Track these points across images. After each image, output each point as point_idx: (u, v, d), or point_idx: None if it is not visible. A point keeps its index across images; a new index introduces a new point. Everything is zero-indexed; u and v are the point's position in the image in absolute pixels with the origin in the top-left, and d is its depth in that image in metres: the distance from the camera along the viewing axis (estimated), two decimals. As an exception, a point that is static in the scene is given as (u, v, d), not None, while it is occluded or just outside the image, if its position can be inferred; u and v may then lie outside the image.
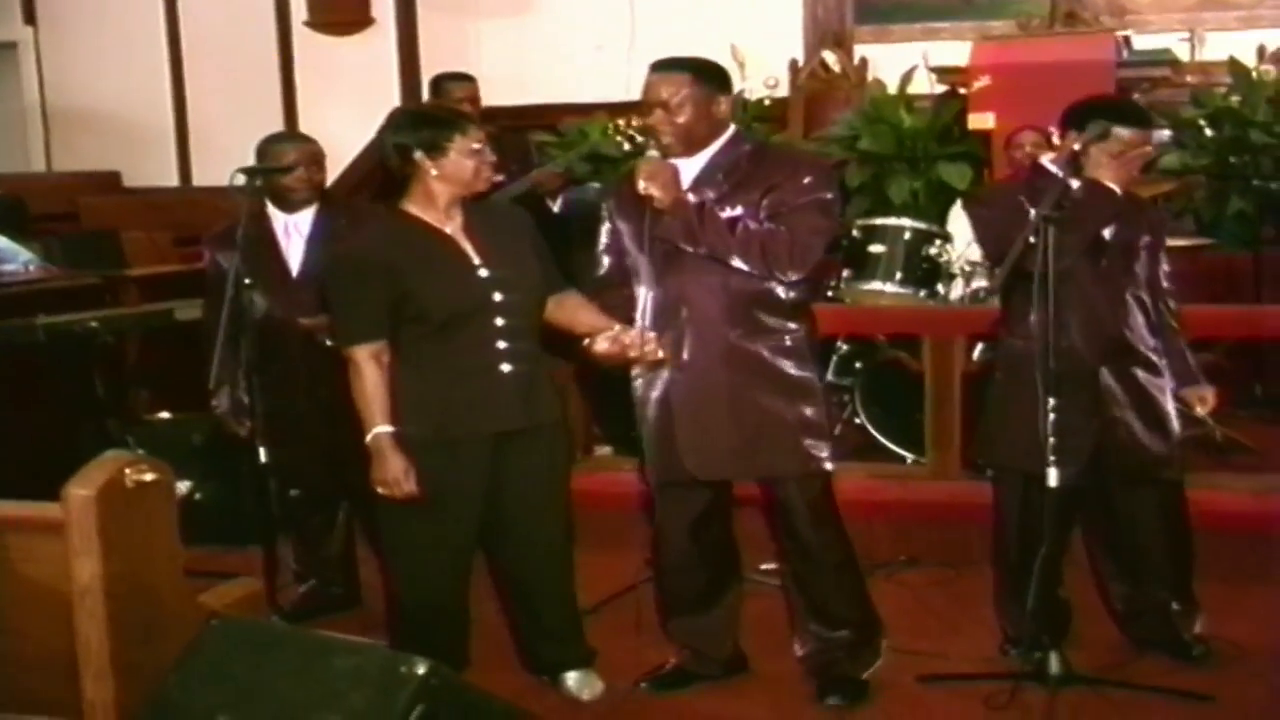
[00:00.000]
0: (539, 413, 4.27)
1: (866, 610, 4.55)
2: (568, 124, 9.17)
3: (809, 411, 4.28)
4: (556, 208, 7.09)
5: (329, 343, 4.76)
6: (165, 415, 6.62)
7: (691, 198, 4.18)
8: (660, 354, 4.15)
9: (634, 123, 7.41)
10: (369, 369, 4.10)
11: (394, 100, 10.27)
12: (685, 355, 4.26)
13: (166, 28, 10.96)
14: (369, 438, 4.09)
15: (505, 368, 4.18)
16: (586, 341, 4.19)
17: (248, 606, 4.11)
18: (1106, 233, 4.47)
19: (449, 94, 7.31)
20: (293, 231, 5.16)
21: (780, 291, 4.24)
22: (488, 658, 4.53)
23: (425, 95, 10.02)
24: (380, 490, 4.10)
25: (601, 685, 4.54)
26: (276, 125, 10.47)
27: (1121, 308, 4.50)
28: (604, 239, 4.48)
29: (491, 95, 7.83)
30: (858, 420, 6.68)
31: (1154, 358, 4.55)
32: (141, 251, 8.64)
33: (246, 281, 5.01)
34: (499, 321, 4.17)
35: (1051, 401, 4.25)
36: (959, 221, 6.94)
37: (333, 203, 5.28)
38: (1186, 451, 4.71)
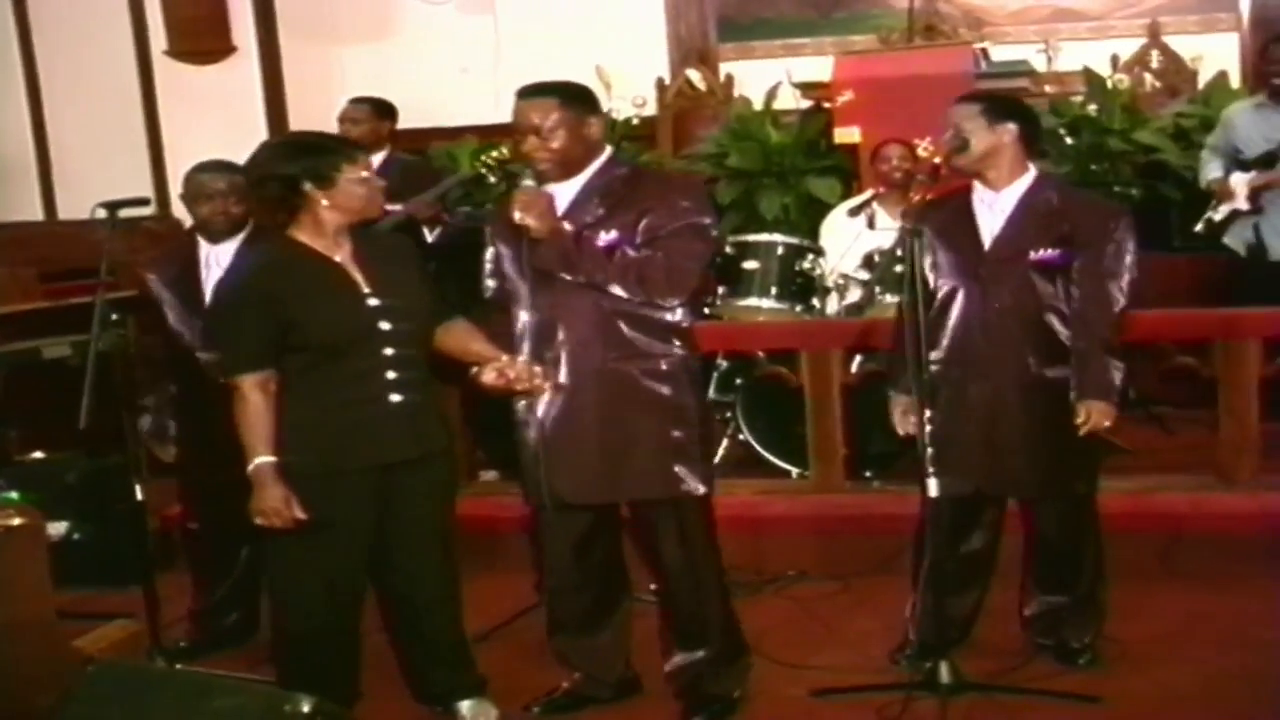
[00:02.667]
0: (427, 442, 4.19)
1: (730, 630, 4.49)
2: (436, 147, 9.10)
3: (679, 434, 4.24)
4: (431, 238, 6.99)
5: (222, 380, 4.70)
6: (38, 455, 6.42)
7: (568, 225, 4.15)
8: (545, 384, 4.15)
9: (501, 153, 7.39)
10: (253, 398, 4.01)
11: (260, 128, 10.11)
12: (561, 378, 4.22)
13: (22, 57, 10.69)
14: (250, 467, 4.00)
15: (394, 397, 4.10)
16: (474, 371, 4.16)
17: (126, 648, 4.02)
18: (985, 246, 4.48)
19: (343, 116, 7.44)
20: (213, 263, 5.04)
21: (655, 314, 4.20)
22: (379, 689, 4.43)
23: (294, 122, 9.99)
24: (259, 520, 4.00)
25: (496, 712, 4.47)
26: (141, 156, 10.30)
27: (998, 325, 4.48)
28: (488, 263, 4.43)
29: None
30: (741, 436, 6.65)
31: (1044, 374, 4.50)
32: (5, 289, 8.36)
33: (157, 307, 5.04)
34: (387, 351, 4.09)
35: (928, 413, 4.27)
36: (831, 235, 7.02)
37: (261, 233, 5.12)
38: (1090, 461, 4.68)
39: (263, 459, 3.99)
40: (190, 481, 5.10)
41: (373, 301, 4.09)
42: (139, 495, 4.83)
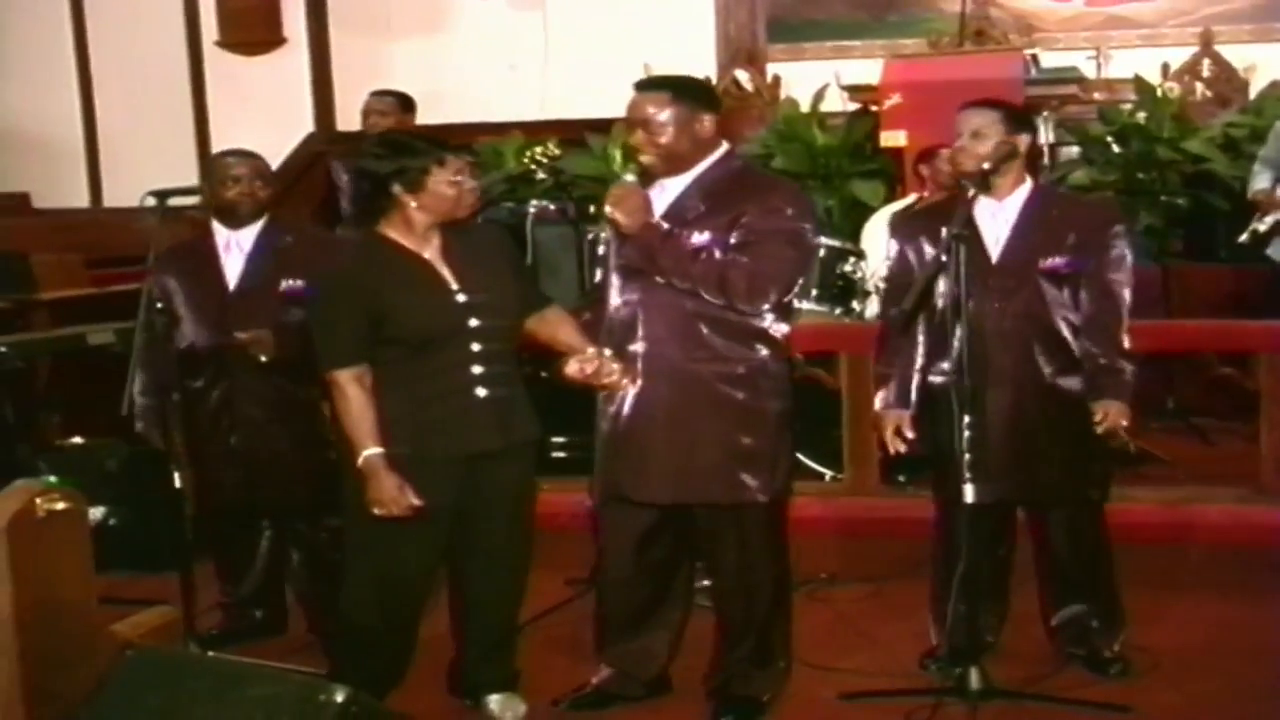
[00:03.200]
0: (514, 434, 4.24)
1: (774, 634, 4.49)
2: (483, 143, 9.13)
3: (748, 441, 4.22)
4: None
5: (262, 358, 4.78)
6: (78, 440, 6.49)
7: (665, 224, 4.16)
8: (621, 379, 4.17)
9: (549, 150, 7.41)
10: (353, 391, 4.06)
11: (308, 120, 10.25)
12: (640, 378, 4.23)
13: (75, 46, 10.83)
14: (360, 460, 4.05)
15: (481, 391, 4.15)
16: (560, 361, 4.23)
17: (163, 635, 4.05)
18: (993, 256, 4.48)
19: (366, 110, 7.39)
20: (234, 247, 5.06)
21: (739, 317, 4.18)
22: (411, 679, 4.45)
23: (341, 113, 10.06)
24: (377, 510, 4.04)
25: (524, 708, 4.48)
26: (188, 145, 10.43)
27: (1012, 333, 4.47)
28: (600, 250, 4.46)
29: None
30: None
31: (1057, 381, 4.51)
32: (52, 274, 8.46)
33: (168, 303, 4.97)
34: (475, 346, 4.14)
35: (967, 419, 4.27)
36: (873, 238, 7.00)
37: (279, 220, 5.21)
38: (1104, 468, 4.72)
39: (372, 450, 4.04)
40: (209, 472, 5.09)
41: (461, 298, 4.14)
42: (177, 482, 4.87)
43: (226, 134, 10.22)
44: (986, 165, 4.43)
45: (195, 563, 5.03)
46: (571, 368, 4.16)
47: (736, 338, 4.20)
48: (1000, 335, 4.47)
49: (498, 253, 4.34)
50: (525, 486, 4.38)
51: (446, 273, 4.17)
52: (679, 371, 4.20)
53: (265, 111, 10.10)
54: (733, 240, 4.13)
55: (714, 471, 4.24)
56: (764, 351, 4.24)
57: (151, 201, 4.84)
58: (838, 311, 6.57)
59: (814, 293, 6.55)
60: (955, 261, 4.25)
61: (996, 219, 4.53)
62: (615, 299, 4.27)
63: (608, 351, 4.19)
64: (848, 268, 6.61)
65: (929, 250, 4.56)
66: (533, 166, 7.76)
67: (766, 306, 4.17)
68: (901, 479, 6.23)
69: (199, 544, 5.17)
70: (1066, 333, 4.50)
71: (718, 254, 4.12)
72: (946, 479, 4.46)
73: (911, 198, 7.12)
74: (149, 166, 9.48)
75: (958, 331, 4.34)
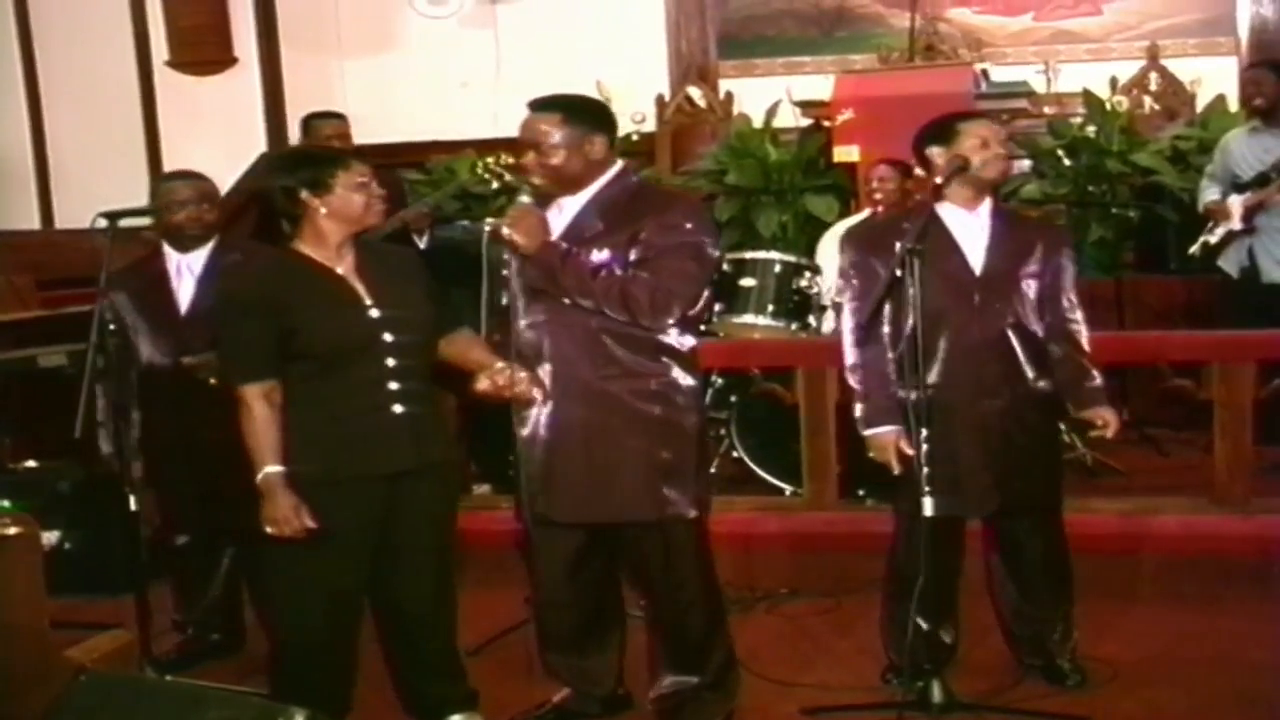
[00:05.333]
0: (430, 452, 4.19)
1: (719, 653, 4.44)
2: (436, 161, 9.13)
3: (667, 455, 4.19)
4: (423, 245, 7.00)
5: (211, 381, 4.71)
6: (30, 463, 6.42)
7: (562, 243, 4.14)
8: (531, 389, 4.15)
9: (502, 160, 7.37)
10: (259, 407, 4.02)
11: (260, 140, 10.17)
12: (550, 398, 4.21)
13: (23, 65, 10.73)
14: (259, 477, 4.01)
15: (397, 408, 4.10)
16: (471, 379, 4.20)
17: (118, 659, 4.00)
18: (976, 267, 4.48)
19: (318, 132, 7.23)
20: (185, 271, 5.07)
21: (646, 333, 4.16)
22: (369, 700, 4.42)
23: (295, 134, 9.98)
24: (270, 529, 4.00)
25: (485, 727, 4.45)
26: (140, 165, 10.35)
27: (1001, 342, 4.47)
28: (504, 272, 4.40)
29: (359, 133, 7.72)
30: (735, 453, 6.68)
31: (1039, 387, 4.52)
32: (2, 296, 8.38)
33: (121, 324, 4.97)
34: (390, 362, 4.09)
35: (924, 432, 4.27)
36: (827, 254, 7.01)
37: (228, 243, 5.19)
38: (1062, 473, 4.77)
39: (271, 469, 4.00)
40: (169, 494, 5.07)
41: (375, 313, 4.10)
42: (133, 505, 4.83)
43: (178, 154, 10.17)
44: (939, 180, 4.45)
45: (150, 585, 4.98)
46: (482, 383, 4.13)
47: (645, 353, 4.17)
48: (989, 345, 4.46)
49: (411, 273, 4.31)
50: (445, 506, 4.34)
51: (360, 287, 4.12)
52: (591, 390, 4.17)
53: (217, 131, 10.05)
54: (633, 257, 4.11)
55: (637, 489, 4.20)
56: (674, 366, 4.21)
57: (102, 223, 4.81)
58: (794, 327, 6.59)
59: (770, 308, 6.59)
60: (909, 275, 4.25)
61: (971, 230, 4.52)
62: (521, 321, 4.23)
63: (506, 364, 4.16)
64: (803, 283, 6.65)
65: (880, 268, 4.53)
66: (486, 176, 7.70)
67: (670, 321, 4.15)
68: (861, 493, 6.21)
69: (154, 567, 5.12)
70: (1042, 337, 4.53)
71: (618, 271, 4.10)
72: (918, 492, 4.40)
73: (865, 212, 7.12)
74: (100, 187, 9.36)
75: (941, 343, 4.38)
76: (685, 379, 4.25)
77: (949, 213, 4.51)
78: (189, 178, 5.13)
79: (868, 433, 4.57)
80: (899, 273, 4.30)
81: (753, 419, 6.66)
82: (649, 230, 4.12)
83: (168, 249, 5.11)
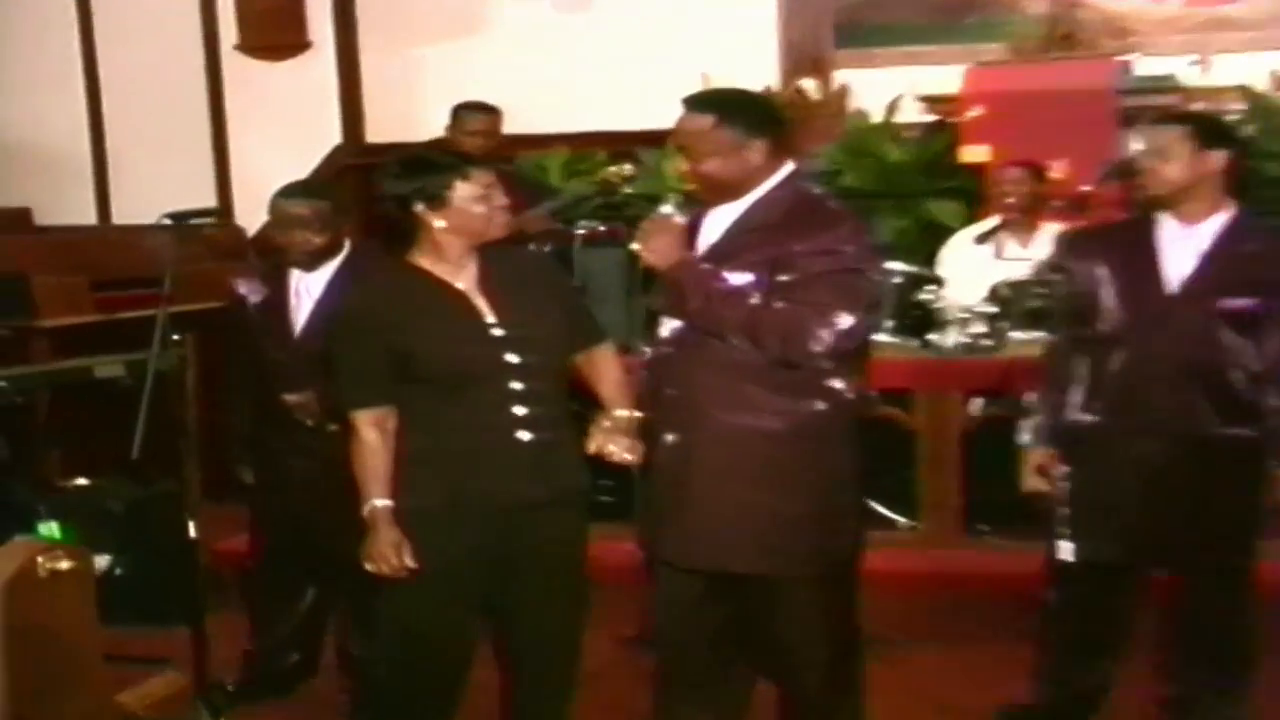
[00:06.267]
0: (559, 483, 4.18)
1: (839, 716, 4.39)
2: (523, 157, 9.12)
3: (794, 507, 4.08)
4: None
5: (309, 423, 4.87)
6: (81, 481, 6.49)
7: (697, 262, 4.06)
8: (626, 455, 4.13)
9: (625, 171, 7.30)
10: (370, 436, 4.06)
11: (334, 131, 10.24)
12: (673, 427, 4.14)
13: (82, 50, 10.86)
14: (365, 509, 4.05)
15: (523, 435, 4.09)
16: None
17: (171, 706, 4.00)
18: (1173, 287, 4.37)
19: (465, 126, 7.38)
20: (304, 292, 5.10)
21: (789, 368, 4.03)
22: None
23: (372, 124, 10.06)
24: (369, 566, 4.04)
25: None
26: (204, 157, 10.46)
27: (1184, 376, 4.35)
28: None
29: (437, 125, 7.79)
30: (844, 482, 6.59)
31: (1232, 433, 4.37)
32: (54, 298, 8.45)
33: (174, 337, 5.02)
34: (515, 385, 4.08)
35: (1065, 469, 4.21)
36: (952, 263, 6.98)
37: (358, 257, 5.13)
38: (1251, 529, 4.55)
39: (378, 501, 4.04)
40: (264, 517, 5.20)
41: (498, 331, 4.09)
42: (192, 531, 4.87)
43: (246, 145, 10.32)
44: (1175, 188, 4.35)
45: (209, 615, 5.03)
46: (591, 444, 4.15)
47: (785, 391, 4.05)
48: (1161, 378, 4.36)
49: (543, 281, 4.28)
50: (574, 540, 4.31)
51: (482, 303, 4.12)
52: (718, 425, 4.08)
53: (288, 122, 10.12)
54: (779, 280, 3.97)
55: (753, 539, 4.10)
56: (817, 405, 4.08)
57: (167, 224, 4.87)
58: (914, 344, 6.57)
59: (889, 323, 6.55)
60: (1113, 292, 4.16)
61: (1184, 247, 4.40)
62: (651, 342, 4.22)
63: (625, 413, 4.17)
64: (925, 296, 6.62)
65: (1100, 274, 4.46)
66: (607, 185, 7.61)
67: (817, 353, 3.97)
68: (984, 528, 6.16)
69: (217, 595, 5.18)
70: (1240, 381, 4.36)
71: (756, 297, 3.98)
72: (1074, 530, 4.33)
73: (995, 219, 7.09)
74: (161, 180, 9.59)
75: (1111, 369, 4.30)
76: (828, 421, 4.12)
77: (1164, 225, 4.42)
78: (303, 194, 5.13)
79: (1031, 449, 4.55)
80: (1038, 288, 4.26)
81: (867, 444, 6.51)
82: (801, 251, 3.97)
83: (291, 267, 5.15)
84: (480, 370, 4.07)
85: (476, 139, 7.14)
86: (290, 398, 5.01)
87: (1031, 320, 6.18)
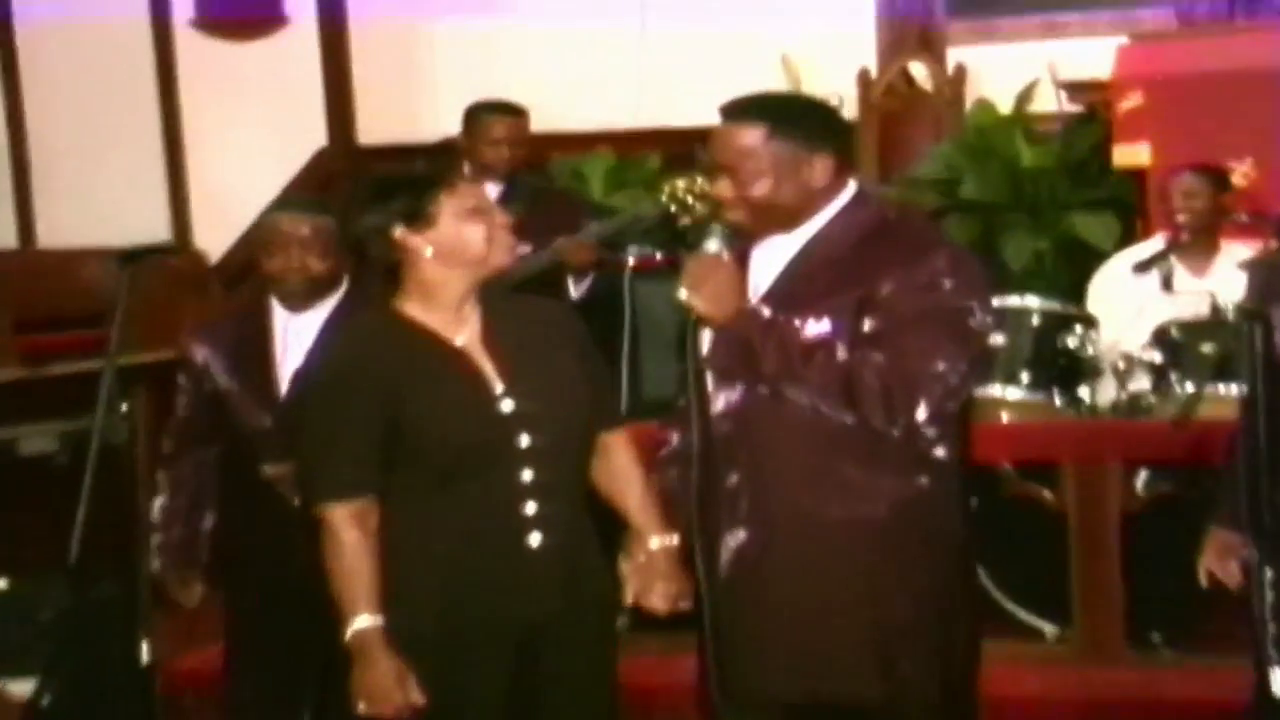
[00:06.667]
0: (581, 593, 4.14)
1: None
2: (558, 161, 9.11)
3: (903, 611, 4.06)
4: (576, 293, 7.03)
5: (296, 501, 4.70)
6: (0, 584, 6.49)
7: (763, 309, 4.01)
8: (670, 603, 4.15)
9: (698, 187, 7.09)
10: (350, 537, 3.98)
11: (319, 130, 10.25)
12: (739, 523, 4.10)
13: (-3, 29, 10.91)
14: (349, 633, 3.97)
15: (534, 539, 4.05)
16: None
17: None
18: None
19: (485, 131, 7.36)
20: (291, 339, 5.06)
21: (883, 437, 3.99)
22: None
23: (363, 119, 10.08)
24: (364, 707, 3.97)
25: None
26: (152, 161, 10.48)
27: None
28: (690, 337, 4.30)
29: (451, 121, 7.81)
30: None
31: None
32: (-35, 344, 8.52)
33: (207, 390, 5.13)
34: (526, 475, 4.04)
35: (1269, 573, 4.13)
36: (1107, 298, 6.94)
37: (359, 301, 5.05)
38: None
39: (366, 621, 3.96)
40: (243, 622, 5.17)
41: (507, 405, 4.04)
42: (144, 651, 4.84)
43: (206, 147, 10.34)
44: None
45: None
46: (628, 593, 4.18)
47: (882, 466, 4.03)
48: None
49: (561, 338, 4.23)
50: (599, 660, 4.28)
51: (488, 366, 4.07)
52: (802, 516, 4.05)
53: (260, 119, 10.11)
54: (867, 327, 3.96)
55: (857, 658, 4.08)
56: (922, 480, 4.07)
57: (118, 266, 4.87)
58: (1059, 402, 6.54)
59: (1025, 375, 6.55)
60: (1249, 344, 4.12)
61: None
62: (698, 414, 4.13)
63: (662, 540, 4.16)
64: (1072, 340, 6.57)
65: None
66: (673, 207, 7.39)
67: (920, 420, 3.97)
68: (1155, 638, 6.09)
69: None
70: None
71: (842, 350, 3.94)
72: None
73: (1159, 240, 7.05)
74: (99, 193, 9.60)
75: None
76: (935, 499, 4.10)
77: None
78: (304, 209, 5.10)
79: (1216, 531, 4.52)
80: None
81: (1001, 531, 6.53)
82: (891, 289, 3.94)
83: (275, 304, 5.12)
84: (484, 456, 4.02)
85: (500, 148, 7.18)
86: (271, 469, 4.95)
87: (1211, 371, 6.12)
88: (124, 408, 4.86)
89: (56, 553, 5.05)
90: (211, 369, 5.13)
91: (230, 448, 5.19)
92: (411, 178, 4.22)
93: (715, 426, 4.13)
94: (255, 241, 5.15)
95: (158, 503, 5.20)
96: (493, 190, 7.12)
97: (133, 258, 4.87)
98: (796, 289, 4.05)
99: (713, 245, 4.06)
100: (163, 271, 8.78)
